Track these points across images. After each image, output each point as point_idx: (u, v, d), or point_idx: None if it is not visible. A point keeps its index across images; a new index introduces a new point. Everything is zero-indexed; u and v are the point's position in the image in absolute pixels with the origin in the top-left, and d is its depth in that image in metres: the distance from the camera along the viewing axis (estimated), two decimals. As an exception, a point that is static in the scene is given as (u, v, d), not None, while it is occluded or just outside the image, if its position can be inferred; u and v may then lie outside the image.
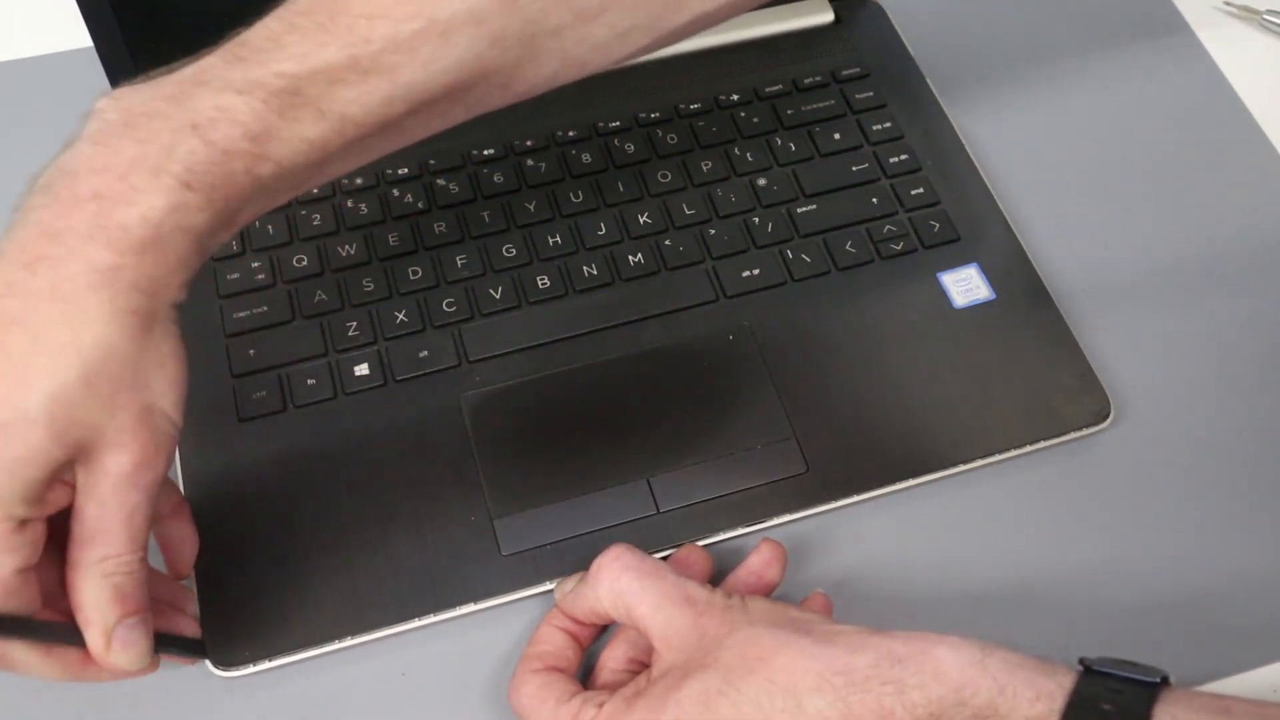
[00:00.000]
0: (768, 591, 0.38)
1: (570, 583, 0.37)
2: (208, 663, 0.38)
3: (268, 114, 0.30)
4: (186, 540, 0.37)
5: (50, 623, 0.31)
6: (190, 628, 0.37)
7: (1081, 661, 0.31)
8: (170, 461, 0.31)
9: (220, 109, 0.30)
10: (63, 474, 0.30)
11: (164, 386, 0.30)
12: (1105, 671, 0.30)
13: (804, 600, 0.38)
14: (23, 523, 0.29)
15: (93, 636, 0.31)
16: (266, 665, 0.38)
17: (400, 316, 0.44)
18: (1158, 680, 0.30)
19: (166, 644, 0.35)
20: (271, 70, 0.31)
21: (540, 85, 0.36)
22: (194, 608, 0.38)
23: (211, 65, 0.31)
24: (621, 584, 0.34)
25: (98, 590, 0.31)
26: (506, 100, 0.36)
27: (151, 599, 0.33)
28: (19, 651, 0.31)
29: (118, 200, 0.29)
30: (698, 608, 0.33)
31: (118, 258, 0.29)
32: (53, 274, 0.28)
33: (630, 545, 0.36)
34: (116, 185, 0.29)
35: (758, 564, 0.38)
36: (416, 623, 0.39)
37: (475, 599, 0.39)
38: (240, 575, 0.39)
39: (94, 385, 0.29)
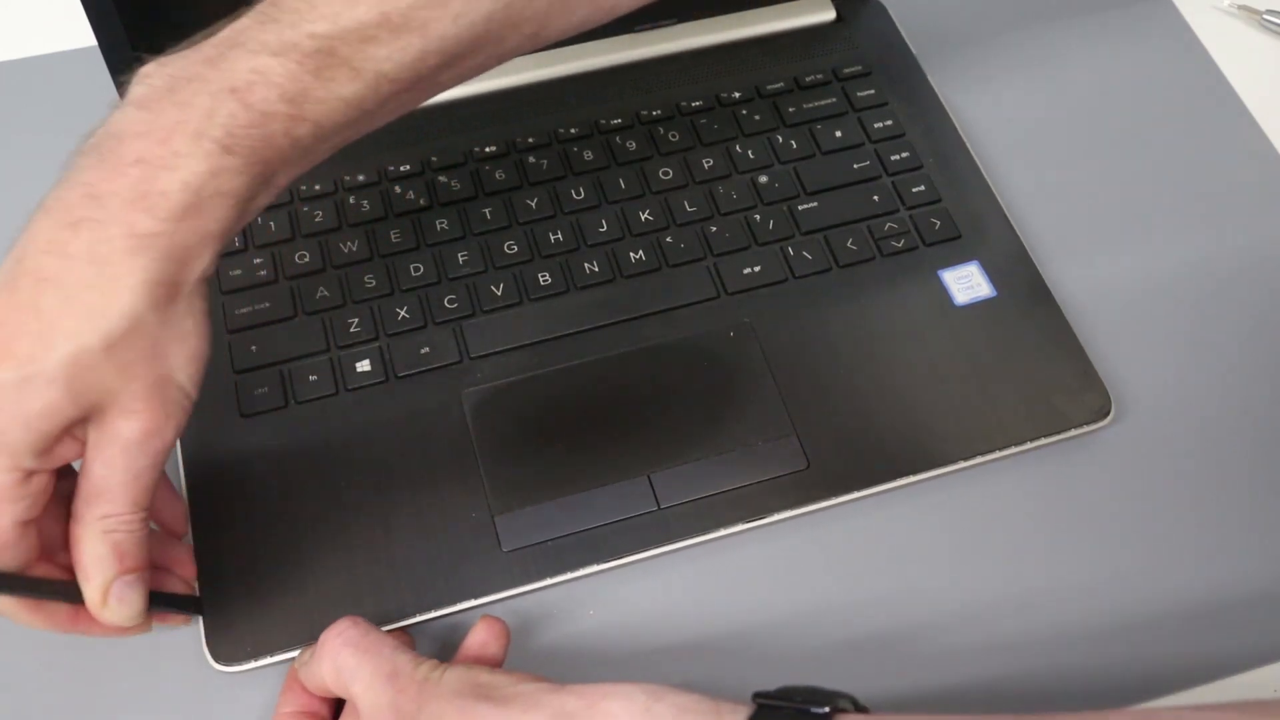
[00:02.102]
0: (493, 666, 0.36)
1: (307, 653, 0.36)
2: (208, 657, 0.38)
3: (303, 75, 0.31)
4: (170, 503, 0.38)
5: (42, 580, 0.32)
6: (183, 588, 0.38)
7: (755, 696, 0.31)
8: (180, 431, 0.32)
9: (257, 71, 0.30)
10: (73, 430, 0.30)
11: (182, 360, 0.31)
12: (776, 705, 0.30)
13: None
14: (29, 474, 0.30)
15: (90, 590, 0.32)
16: (267, 660, 0.38)
17: (402, 313, 0.44)
18: (825, 710, 0.30)
19: (161, 602, 0.35)
20: (305, 31, 0.31)
21: (570, 30, 0.36)
22: (191, 568, 0.39)
23: (246, 27, 0.31)
24: (340, 660, 0.34)
25: (98, 545, 0.31)
26: (537, 46, 0.36)
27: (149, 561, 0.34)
28: (7, 604, 0.32)
29: (160, 166, 0.29)
30: (397, 684, 0.33)
31: (157, 224, 0.29)
32: (92, 236, 0.29)
33: (357, 618, 0.35)
34: (158, 150, 0.29)
35: (474, 646, 0.37)
36: (417, 619, 0.39)
37: (476, 595, 0.39)
38: (241, 571, 0.39)
39: (114, 352, 0.29)
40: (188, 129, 0.30)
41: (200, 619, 0.38)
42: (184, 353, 0.31)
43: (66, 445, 0.31)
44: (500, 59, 0.35)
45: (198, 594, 0.38)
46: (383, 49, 0.32)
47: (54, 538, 0.33)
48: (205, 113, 0.30)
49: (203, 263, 0.31)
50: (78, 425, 0.30)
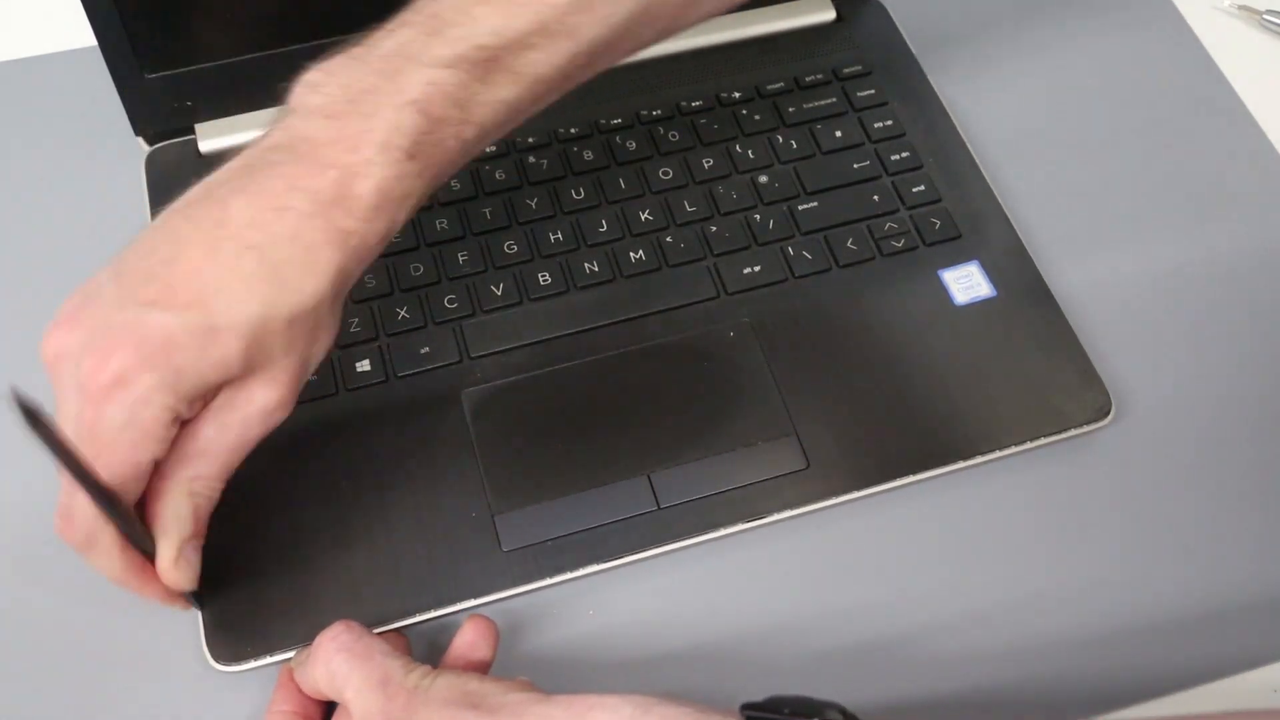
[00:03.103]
0: (481, 669, 0.37)
1: (302, 655, 0.36)
2: (208, 657, 0.38)
3: (472, 83, 0.33)
4: None
5: (141, 524, 0.33)
6: None
7: (743, 708, 0.32)
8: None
9: (433, 84, 0.33)
10: (213, 392, 0.32)
11: (321, 348, 0.34)
12: (764, 718, 0.31)
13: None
14: (177, 419, 0.32)
15: (165, 547, 0.34)
16: (267, 660, 0.38)
17: (402, 313, 0.44)
18: None
19: None
20: (473, 44, 0.33)
21: (698, 21, 0.40)
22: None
23: (414, 39, 0.33)
24: (333, 664, 0.34)
25: (182, 504, 0.33)
26: (668, 38, 0.39)
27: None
28: (108, 538, 0.33)
29: (354, 171, 0.32)
30: (388, 691, 0.33)
31: (354, 223, 0.32)
32: (298, 224, 0.32)
33: (352, 623, 0.36)
34: (351, 157, 0.32)
35: (463, 647, 0.37)
36: (417, 618, 0.39)
37: (475, 595, 0.39)
38: (241, 570, 0.39)
39: (293, 326, 0.32)
40: (375, 138, 0.32)
41: (200, 615, 0.38)
42: (325, 340, 0.34)
43: (200, 402, 0.32)
44: (629, 53, 0.38)
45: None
46: (539, 54, 0.34)
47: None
48: (391, 124, 0.32)
49: (374, 258, 0.34)
50: (221, 387, 0.32)
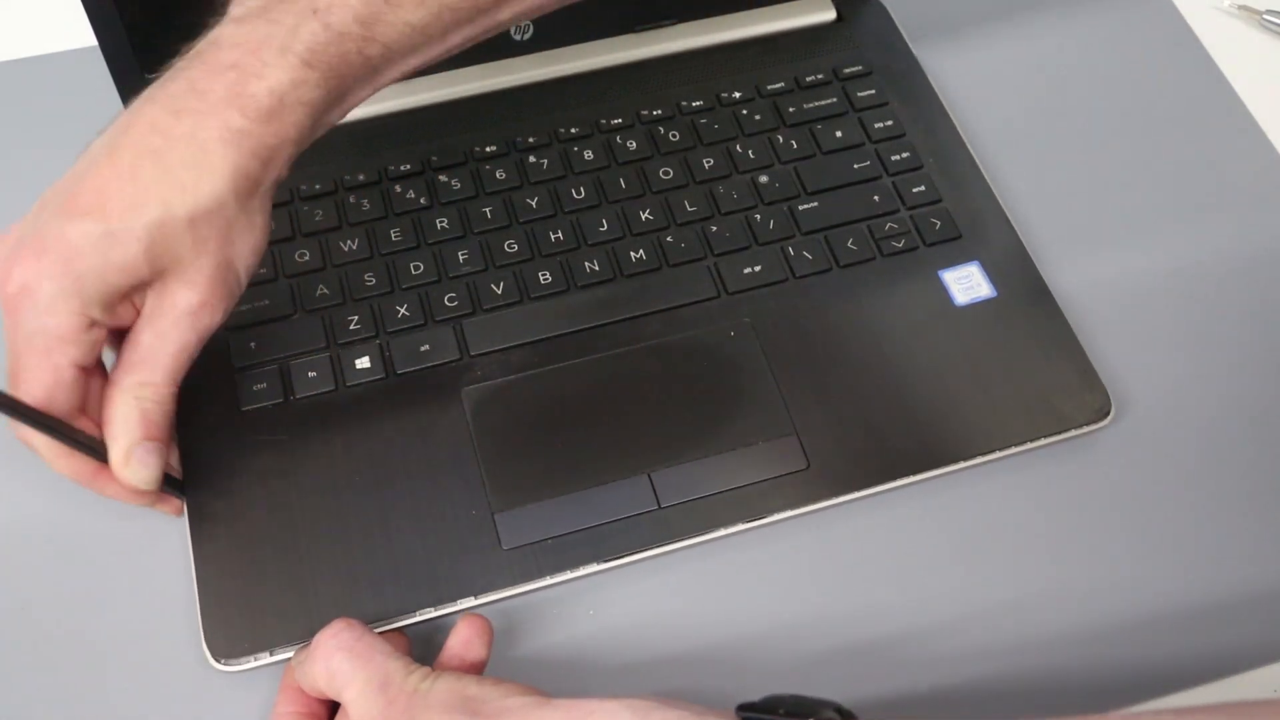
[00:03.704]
0: (477, 668, 0.37)
1: (302, 654, 0.36)
2: (207, 655, 0.38)
3: (375, 1, 0.34)
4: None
5: (78, 430, 0.35)
6: (173, 470, 0.40)
7: (739, 708, 0.32)
8: (227, 314, 0.35)
9: None
10: (136, 295, 0.34)
11: (246, 249, 0.35)
12: (760, 719, 0.31)
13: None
14: (92, 324, 0.33)
15: (115, 451, 0.35)
16: (267, 659, 0.38)
17: (402, 311, 0.44)
18: None
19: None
20: None
21: None
22: (176, 458, 0.41)
23: None
24: (334, 664, 0.34)
25: (129, 410, 0.34)
26: None
27: None
28: (43, 445, 0.35)
29: (250, 73, 0.33)
30: (388, 695, 0.33)
31: (247, 124, 0.33)
32: (193, 124, 0.33)
33: (352, 621, 0.36)
34: (250, 59, 0.33)
35: (458, 645, 0.37)
36: (416, 617, 0.39)
37: (475, 593, 0.39)
38: (240, 567, 0.39)
39: (195, 226, 0.33)
40: (275, 43, 0.33)
41: (200, 614, 0.38)
42: (249, 243, 0.35)
43: (126, 309, 0.34)
44: (554, 2, 0.39)
45: (180, 478, 0.40)
46: None
47: (94, 397, 0.35)
48: (290, 30, 0.33)
49: (279, 165, 0.34)
50: (141, 290, 0.34)
